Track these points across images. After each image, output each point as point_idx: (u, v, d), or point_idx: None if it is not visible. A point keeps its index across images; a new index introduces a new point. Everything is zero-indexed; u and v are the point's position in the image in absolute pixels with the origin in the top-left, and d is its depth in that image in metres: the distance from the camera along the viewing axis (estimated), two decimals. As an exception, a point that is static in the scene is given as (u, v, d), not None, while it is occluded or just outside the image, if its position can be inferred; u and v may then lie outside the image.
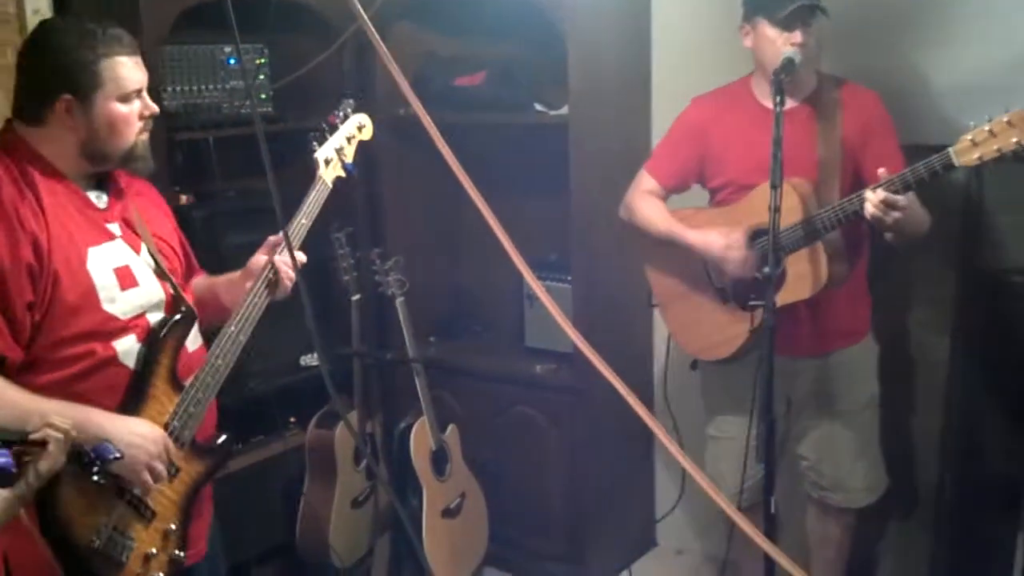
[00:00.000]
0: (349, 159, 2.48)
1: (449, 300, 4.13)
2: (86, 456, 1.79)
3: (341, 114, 2.52)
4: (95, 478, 1.82)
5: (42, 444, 1.72)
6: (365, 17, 1.55)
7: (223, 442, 2.31)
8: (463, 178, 1.50)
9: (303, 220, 2.35)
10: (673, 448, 1.56)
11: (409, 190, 3.77)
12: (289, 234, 2.26)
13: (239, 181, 3.06)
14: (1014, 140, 2.25)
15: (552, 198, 3.52)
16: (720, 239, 2.76)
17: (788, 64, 2.58)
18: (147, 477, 2.04)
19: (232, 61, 3.34)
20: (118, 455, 1.84)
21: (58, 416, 1.75)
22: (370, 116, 2.58)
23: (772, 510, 2.44)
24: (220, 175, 2.77)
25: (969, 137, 2.31)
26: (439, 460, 3.46)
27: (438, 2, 3.63)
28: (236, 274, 2.37)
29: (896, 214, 2.42)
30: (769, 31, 2.66)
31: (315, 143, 2.42)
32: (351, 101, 2.54)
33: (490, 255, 3.94)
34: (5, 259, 1.96)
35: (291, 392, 3.46)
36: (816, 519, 3.08)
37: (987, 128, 2.28)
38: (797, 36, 2.63)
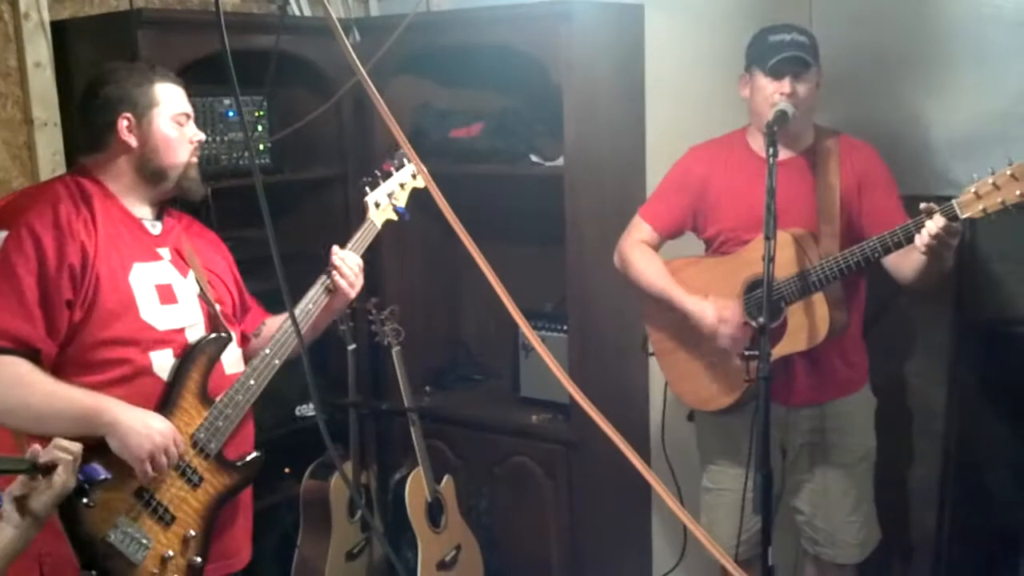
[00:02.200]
0: (401, 204, 2.67)
1: (445, 350, 4.13)
2: (75, 480, 1.82)
3: (396, 162, 2.68)
4: (85, 501, 1.88)
5: (51, 468, 1.73)
6: (363, 72, 1.57)
7: (252, 459, 2.41)
8: (458, 228, 1.51)
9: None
10: (670, 501, 1.55)
11: (405, 240, 3.78)
12: (338, 261, 2.50)
13: (237, 232, 3.08)
14: (1018, 192, 2.26)
15: (548, 248, 3.54)
16: (713, 313, 2.75)
17: (781, 116, 2.62)
18: (147, 466, 2.14)
19: (231, 114, 3.37)
20: (107, 476, 1.91)
21: (64, 440, 1.81)
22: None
23: (769, 563, 2.42)
24: (218, 226, 2.81)
25: (973, 189, 2.31)
26: (434, 512, 3.44)
27: (435, 55, 3.67)
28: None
29: (954, 242, 2.40)
30: (762, 80, 2.70)
31: (367, 187, 2.61)
32: (404, 152, 2.62)
33: (486, 305, 3.96)
34: (51, 259, 2.13)
35: (286, 443, 3.45)
36: (813, 574, 3.05)
37: (991, 181, 2.29)
38: (786, 85, 2.66)
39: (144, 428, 2.14)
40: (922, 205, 2.39)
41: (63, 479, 1.76)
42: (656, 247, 2.98)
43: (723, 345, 2.76)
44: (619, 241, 3.02)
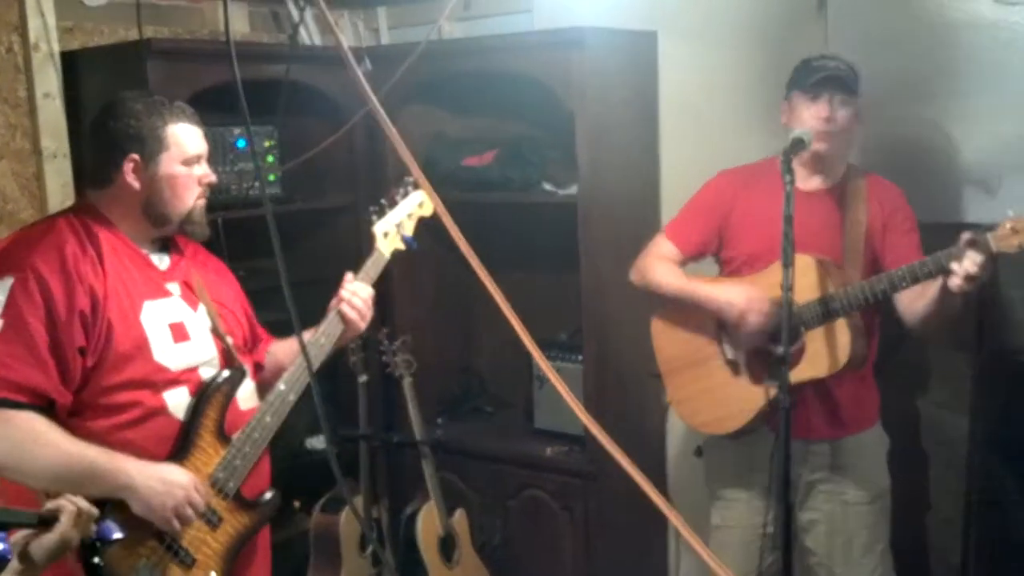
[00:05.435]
0: (409, 233, 2.63)
1: (458, 380, 4.09)
2: (88, 537, 1.77)
3: (402, 191, 2.65)
4: (96, 560, 1.81)
5: (54, 519, 1.69)
6: (376, 101, 1.55)
7: (270, 498, 2.38)
8: (471, 257, 1.49)
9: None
10: (687, 533, 1.51)
11: (417, 269, 3.76)
12: (348, 295, 2.45)
13: (247, 262, 3.06)
14: None
15: (562, 277, 3.51)
16: (743, 292, 2.69)
17: (797, 143, 2.58)
18: (175, 523, 2.12)
19: (241, 143, 3.36)
20: (121, 535, 1.84)
21: (71, 496, 1.76)
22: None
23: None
24: (228, 256, 2.79)
25: (1009, 225, 2.28)
26: (447, 546, 3.39)
27: (447, 83, 3.66)
28: (312, 330, 2.46)
29: (986, 276, 2.35)
30: (800, 101, 2.67)
31: (374, 216, 2.57)
32: (411, 179, 2.64)
33: (499, 335, 3.92)
34: (61, 307, 2.07)
35: (296, 476, 3.41)
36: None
37: None
38: (823, 108, 2.63)
39: (163, 486, 2.10)
40: (963, 236, 2.34)
41: (63, 528, 1.71)
42: (678, 266, 2.93)
43: (755, 325, 2.66)
44: (638, 259, 2.96)
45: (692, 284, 2.82)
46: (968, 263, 2.31)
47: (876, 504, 2.85)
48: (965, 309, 2.58)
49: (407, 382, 3.37)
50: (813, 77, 2.64)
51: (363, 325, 2.50)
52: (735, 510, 2.91)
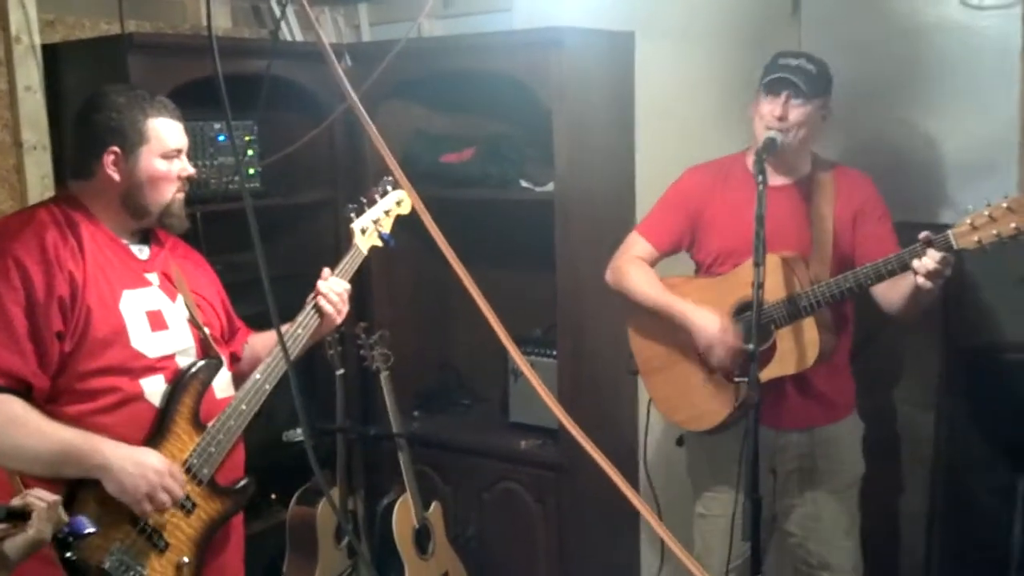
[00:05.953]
0: (387, 230, 2.68)
1: (434, 374, 4.12)
2: (60, 532, 1.79)
3: (381, 189, 2.70)
4: (68, 554, 1.84)
5: (26, 515, 1.71)
6: (355, 97, 1.58)
7: (244, 485, 2.42)
8: (448, 252, 1.51)
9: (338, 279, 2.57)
10: (658, 525, 1.55)
11: (396, 265, 3.78)
12: (325, 289, 2.50)
13: (226, 255, 3.07)
14: (1013, 226, 2.28)
15: (538, 273, 3.54)
16: (715, 323, 2.73)
17: (770, 143, 2.63)
18: (147, 506, 2.15)
19: (221, 138, 3.37)
20: (93, 530, 1.87)
21: (40, 489, 1.79)
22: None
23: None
24: (207, 250, 2.81)
25: (968, 221, 2.33)
26: (422, 538, 3.42)
27: (427, 81, 3.68)
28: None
29: (948, 273, 2.41)
30: (761, 100, 2.72)
31: (352, 214, 2.61)
32: (390, 179, 2.69)
33: (476, 330, 3.95)
34: (40, 293, 2.11)
35: (272, 468, 3.42)
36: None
37: (987, 213, 2.30)
38: (778, 106, 2.66)
39: (137, 468, 2.13)
40: (921, 235, 2.40)
41: (36, 527, 1.73)
42: (652, 264, 2.97)
43: (717, 358, 2.75)
44: (613, 258, 3.01)
45: (667, 298, 2.85)
46: (928, 260, 2.37)
47: (852, 490, 2.91)
48: (939, 300, 2.63)
49: (384, 376, 3.39)
50: (771, 75, 2.68)
51: (339, 319, 2.54)
52: (718, 500, 2.96)
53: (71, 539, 1.81)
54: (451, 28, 3.93)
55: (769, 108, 2.68)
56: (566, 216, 3.36)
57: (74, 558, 1.89)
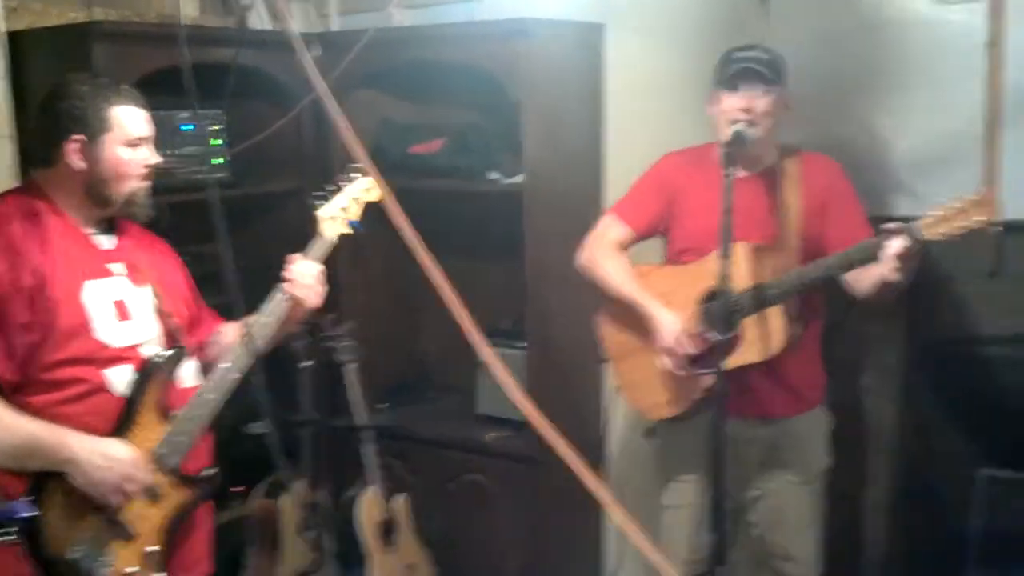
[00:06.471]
0: (355, 217, 2.65)
1: (401, 366, 4.11)
2: None
3: (347, 177, 2.67)
4: (11, 537, 1.91)
5: None
6: (323, 86, 1.57)
7: (210, 474, 2.42)
8: (415, 243, 1.51)
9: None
10: (623, 520, 1.55)
11: (363, 256, 3.77)
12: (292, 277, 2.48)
13: (193, 246, 3.05)
14: (979, 219, 2.31)
15: (507, 265, 3.54)
16: (676, 326, 2.76)
17: (737, 137, 2.64)
18: (115, 497, 2.16)
19: (188, 127, 3.34)
20: (31, 514, 1.93)
21: None
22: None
23: (723, 580, 2.43)
24: (173, 240, 2.79)
25: (937, 212, 2.36)
26: (387, 531, 3.41)
27: (396, 71, 3.66)
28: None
29: (915, 263, 2.44)
30: (722, 95, 2.73)
31: (319, 202, 2.60)
32: (357, 166, 2.67)
33: (443, 321, 3.92)
34: (4, 284, 2.12)
35: (237, 460, 3.39)
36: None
37: (955, 205, 2.33)
38: (742, 99, 2.68)
39: (105, 460, 2.14)
40: (888, 225, 2.42)
41: None
42: (627, 247, 2.97)
43: (666, 361, 2.77)
44: (587, 240, 2.99)
45: (638, 291, 2.86)
46: (894, 250, 2.39)
47: (817, 482, 2.94)
48: (906, 291, 2.66)
49: (351, 368, 3.38)
50: (731, 70, 2.69)
51: (316, 300, 2.52)
52: (686, 490, 2.97)
53: (5, 524, 1.83)
54: (420, 18, 3.91)
55: (734, 102, 2.69)
56: (535, 208, 3.36)
57: (15, 539, 1.90)
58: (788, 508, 2.91)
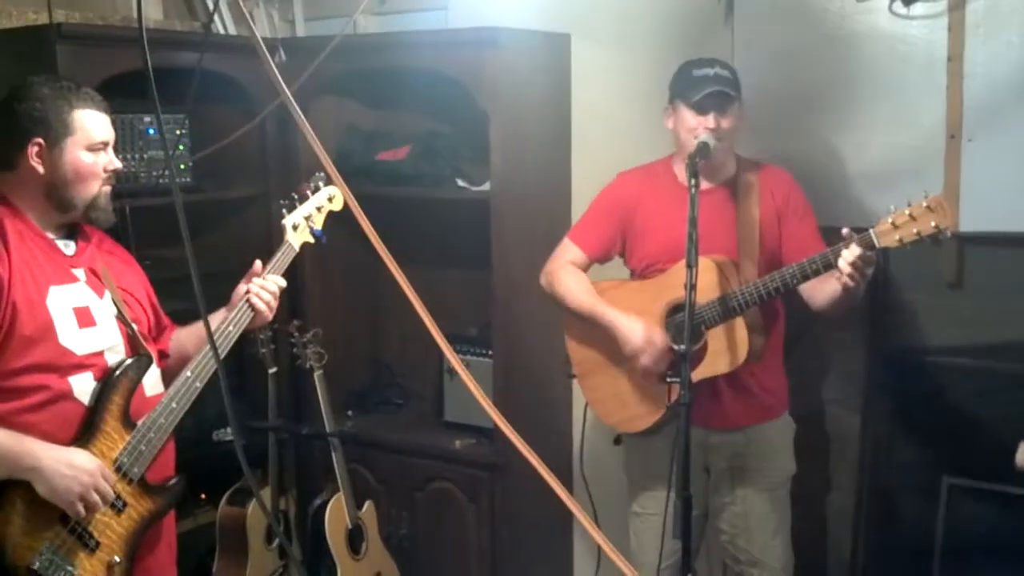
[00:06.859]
0: (318, 226, 2.65)
1: (368, 373, 4.09)
2: None
3: (312, 185, 2.67)
4: None
5: None
6: (288, 92, 1.56)
7: (175, 483, 2.40)
8: (381, 249, 1.51)
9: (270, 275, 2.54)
10: (591, 528, 1.56)
11: (329, 262, 3.75)
12: (256, 287, 2.45)
13: (155, 251, 3.02)
14: (933, 224, 2.34)
15: (474, 272, 3.54)
16: (643, 333, 2.77)
17: (703, 148, 2.66)
18: (79, 507, 2.12)
19: (151, 131, 3.32)
20: None
21: None
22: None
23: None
24: (136, 245, 2.77)
25: (890, 220, 2.39)
26: (355, 538, 3.40)
27: (362, 77, 3.66)
28: (219, 312, 2.47)
29: (870, 271, 2.46)
30: (686, 114, 2.75)
31: (284, 210, 2.59)
32: (322, 175, 2.67)
33: (409, 328, 3.94)
34: None
35: (203, 468, 3.36)
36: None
37: (907, 212, 2.36)
38: (710, 120, 2.71)
39: (69, 469, 2.11)
40: (844, 231, 2.45)
41: None
42: (585, 269, 2.99)
43: (642, 366, 2.78)
44: (547, 263, 3.03)
45: (599, 306, 2.87)
46: (851, 259, 2.42)
47: (783, 489, 2.96)
48: (866, 302, 2.68)
49: (318, 374, 3.36)
50: (698, 93, 2.71)
51: (271, 315, 2.52)
52: (653, 499, 2.98)
53: None
54: (386, 25, 3.91)
55: (700, 121, 2.72)
56: (502, 216, 3.36)
57: None
58: (755, 515, 2.93)
